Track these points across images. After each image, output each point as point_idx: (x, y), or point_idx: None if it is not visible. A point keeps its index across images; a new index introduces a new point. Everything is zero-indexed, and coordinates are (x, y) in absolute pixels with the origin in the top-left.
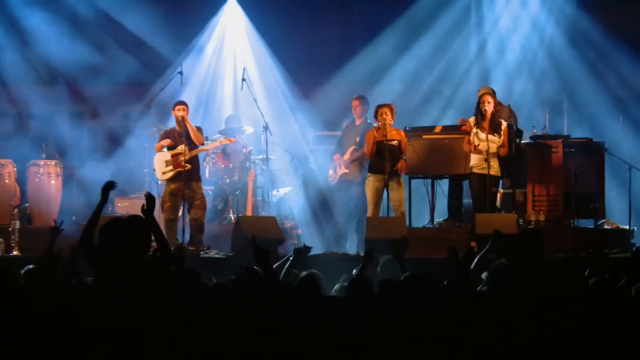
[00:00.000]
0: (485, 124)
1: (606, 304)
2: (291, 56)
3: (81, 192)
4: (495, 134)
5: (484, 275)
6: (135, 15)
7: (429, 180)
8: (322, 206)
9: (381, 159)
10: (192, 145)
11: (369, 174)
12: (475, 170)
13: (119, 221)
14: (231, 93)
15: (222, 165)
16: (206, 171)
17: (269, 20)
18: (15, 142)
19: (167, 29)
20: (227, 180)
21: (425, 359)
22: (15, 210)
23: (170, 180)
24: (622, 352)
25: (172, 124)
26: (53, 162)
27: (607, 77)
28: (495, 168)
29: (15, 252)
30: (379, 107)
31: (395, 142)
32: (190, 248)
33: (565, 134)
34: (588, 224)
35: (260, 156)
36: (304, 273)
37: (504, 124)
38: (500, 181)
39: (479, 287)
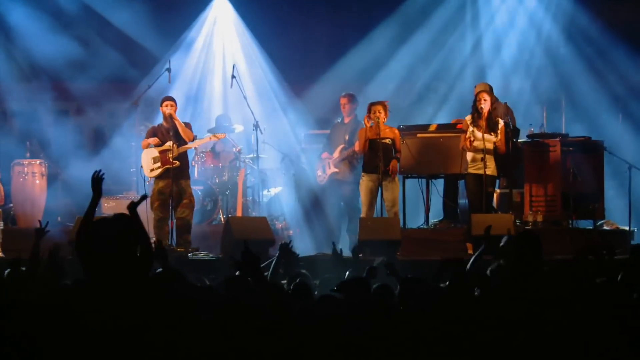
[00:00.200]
0: (482, 123)
1: (606, 305)
2: (282, 53)
3: (66, 192)
4: (492, 133)
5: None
6: (121, 10)
7: (424, 180)
8: (314, 206)
9: (374, 158)
10: (180, 142)
11: (362, 173)
12: (471, 170)
13: (106, 221)
14: (220, 91)
15: (212, 165)
16: (195, 171)
17: (259, 16)
18: None
19: (155, 24)
20: (217, 180)
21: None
22: None
23: (158, 178)
24: (622, 353)
25: (159, 121)
26: (38, 162)
27: (606, 74)
28: (491, 168)
29: None
30: (372, 104)
31: (388, 141)
32: (178, 249)
33: (563, 132)
34: (587, 224)
35: (251, 155)
36: (296, 279)
37: (501, 122)
38: (497, 181)
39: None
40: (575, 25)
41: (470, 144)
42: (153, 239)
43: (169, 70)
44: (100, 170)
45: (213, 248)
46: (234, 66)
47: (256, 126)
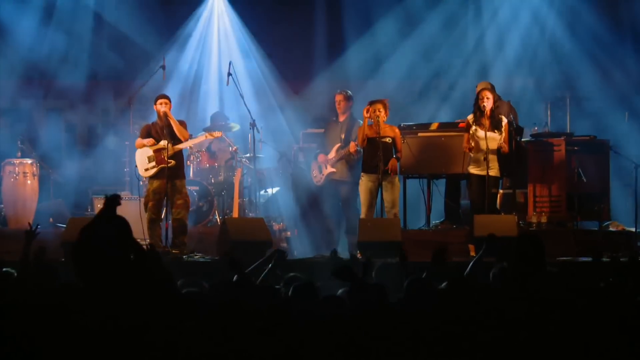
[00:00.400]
0: (485, 121)
1: (608, 306)
2: (279, 50)
3: (58, 193)
4: (496, 131)
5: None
6: (115, 6)
7: (425, 180)
8: (312, 207)
9: (374, 158)
10: (175, 141)
11: (362, 173)
12: (473, 171)
13: (99, 222)
14: (216, 89)
15: (207, 165)
16: (190, 170)
17: (256, 12)
18: None
19: (149, 20)
20: (212, 180)
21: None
22: None
23: (152, 177)
24: (623, 353)
25: (154, 120)
26: (29, 161)
27: (612, 71)
28: (495, 168)
29: None
30: (372, 103)
31: (388, 140)
32: (173, 251)
33: (568, 131)
34: (592, 226)
35: (247, 155)
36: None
37: (505, 120)
38: (500, 181)
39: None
40: (580, 21)
41: (471, 150)
42: (147, 241)
43: (163, 67)
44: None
45: (209, 250)
46: (230, 63)
47: (253, 125)
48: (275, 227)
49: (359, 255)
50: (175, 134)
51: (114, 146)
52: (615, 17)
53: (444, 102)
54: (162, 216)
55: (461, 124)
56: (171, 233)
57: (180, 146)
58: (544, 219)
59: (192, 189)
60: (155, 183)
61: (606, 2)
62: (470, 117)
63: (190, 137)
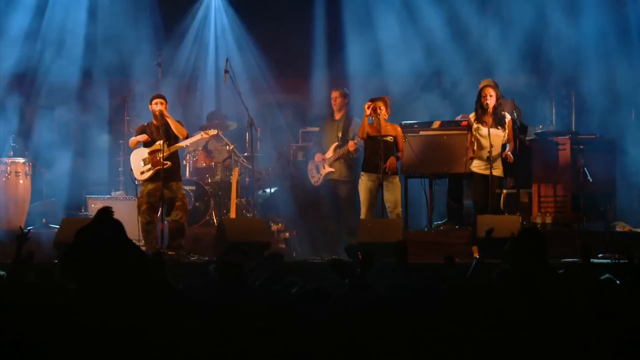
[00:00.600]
0: (488, 118)
1: (609, 307)
2: (278, 47)
3: (51, 193)
4: (499, 127)
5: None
6: (109, 1)
7: (427, 180)
8: (311, 207)
9: (375, 157)
10: (171, 141)
11: (362, 172)
12: (477, 170)
13: (92, 224)
14: (213, 86)
15: (204, 164)
16: (186, 170)
17: (253, 8)
18: None
19: (144, 16)
20: (209, 180)
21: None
22: None
23: (148, 180)
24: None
25: (149, 118)
26: (21, 160)
27: (619, 67)
28: (498, 168)
29: None
30: (373, 100)
31: (390, 138)
32: (169, 253)
33: (573, 129)
34: (598, 227)
35: (245, 154)
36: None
37: (508, 116)
38: (504, 181)
39: None
40: (586, 17)
41: (472, 159)
42: (142, 242)
43: (159, 64)
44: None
45: (205, 251)
46: (227, 61)
47: (251, 123)
48: (274, 227)
49: (360, 257)
50: (171, 134)
51: (108, 145)
52: (622, 13)
53: (446, 100)
54: (158, 218)
55: (463, 123)
56: (167, 234)
57: (176, 146)
58: (548, 220)
59: (188, 189)
60: (150, 185)
61: None
62: (472, 116)
63: (188, 135)
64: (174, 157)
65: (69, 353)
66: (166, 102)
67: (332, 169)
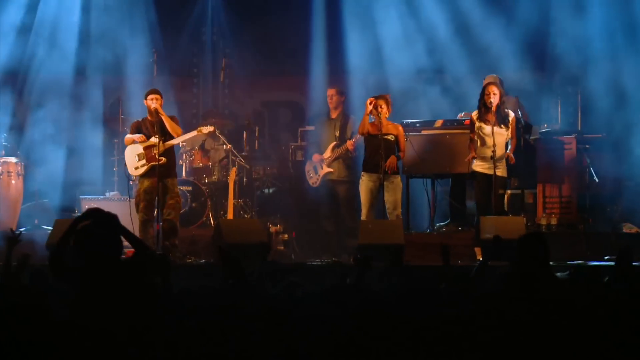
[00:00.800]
0: (491, 117)
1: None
2: (276, 44)
3: (44, 193)
4: (502, 126)
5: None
6: None
7: (429, 180)
8: (310, 208)
9: (375, 156)
10: (166, 137)
11: (362, 172)
12: (479, 169)
13: (87, 226)
14: (210, 84)
15: (201, 164)
16: (183, 169)
17: (251, 5)
18: None
19: (140, 12)
20: (206, 180)
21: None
22: None
23: (143, 176)
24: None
25: (144, 117)
26: (13, 160)
27: (626, 65)
28: (502, 167)
29: None
30: (374, 98)
31: (391, 137)
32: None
33: (579, 128)
34: (605, 228)
35: (243, 153)
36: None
37: (512, 114)
38: (508, 181)
39: None
40: (592, 12)
41: (474, 159)
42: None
43: (154, 62)
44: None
45: (202, 253)
46: (224, 58)
47: (248, 122)
48: (272, 229)
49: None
50: (166, 131)
51: (102, 144)
52: (629, 10)
53: (448, 97)
54: (155, 217)
55: (466, 121)
56: (162, 235)
57: (171, 142)
58: (553, 221)
59: (184, 189)
60: (146, 182)
61: None
62: (474, 114)
63: (183, 134)
64: (169, 154)
65: (69, 355)
66: (161, 97)
67: (330, 169)
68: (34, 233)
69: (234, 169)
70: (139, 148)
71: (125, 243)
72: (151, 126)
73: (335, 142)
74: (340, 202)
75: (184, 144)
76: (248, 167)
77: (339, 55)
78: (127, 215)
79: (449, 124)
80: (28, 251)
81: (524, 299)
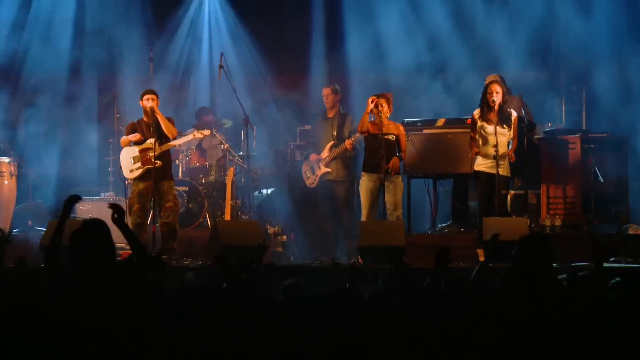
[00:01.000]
0: (493, 116)
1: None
2: (274, 41)
3: (38, 194)
4: (505, 126)
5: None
6: None
7: (431, 180)
8: (309, 209)
9: (376, 156)
10: (162, 139)
11: (362, 172)
12: (482, 169)
13: (82, 229)
14: (207, 82)
15: (197, 164)
16: (179, 170)
17: (249, 1)
18: None
19: (135, 9)
20: (203, 180)
21: None
22: None
23: (138, 179)
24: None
25: (140, 116)
26: (6, 160)
27: (631, 62)
28: (505, 167)
29: None
30: (375, 97)
31: (392, 137)
32: (161, 257)
33: (584, 127)
34: (610, 229)
35: (240, 153)
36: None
37: (514, 114)
38: (511, 182)
39: None
40: (597, 9)
41: (477, 154)
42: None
43: (150, 59)
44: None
45: (199, 255)
46: (221, 55)
47: (246, 121)
48: (271, 230)
49: (359, 261)
50: (162, 132)
51: (97, 144)
52: (635, 7)
53: (450, 96)
54: (149, 220)
55: (468, 121)
56: (159, 237)
57: (167, 145)
58: (558, 222)
59: (181, 190)
60: (141, 185)
61: None
62: (476, 112)
63: (179, 134)
64: (165, 156)
65: (64, 355)
66: (157, 98)
67: (328, 169)
68: (28, 234)
69: (232, 169)
70: (135, 150)
71: (121, 244)
72: (147, 128)
73: (332, 142)
74: (338, 202)
75: (180, 144)
76: (246, 167)
77: (339, 52)
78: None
79: (451, 122)
80: (21, 253)
81: (524, 299)
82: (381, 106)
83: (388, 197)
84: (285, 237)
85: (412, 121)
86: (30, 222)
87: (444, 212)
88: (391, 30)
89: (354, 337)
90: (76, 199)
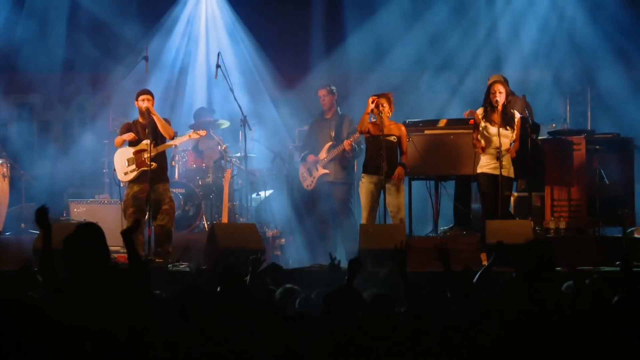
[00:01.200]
0: (496, 117)
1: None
2: (273, 40)
3: (31, 196)
4: (508, 128)
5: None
6: None
7: (432, 182)
8: (308, 211)
9: (377, 157)
10: (158, 141)
11: (363, 174)
12: (485, 170)
13: (76, 233)
14: (204, 82)
15: (194, 165)
16: (175, 171)
17: (246, 0)
18: None
19: (130, 6)
20: (200, 182)
21: None
22: None
23: (133, 181)
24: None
25: (135, 117)
26: None
27: (638, 61)
28: (508, 168)
29: None
30: (375, 97)
31: (393, 138)
32: (157, 260)
33: (589, 128)
34: (615, 232)
35: (238, 154)
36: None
37: (517, 115)
38: (514, 183)
39: None
40: (602, 8)
41: (483, 150)
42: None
43: (145, 58)
44: (46, 207)
45: (195, 258)
46: (219, 54)
47: (244, 122)
48: (269, 233)
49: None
50: (158, 134)
51: (91, 145)
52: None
53: (453, 96)
54: (144, 223)
55: (471, 121)
56: (154, 240)
57: (163, 147)
58: (562, 225)
59: (177, 192)
60: (136, 187)
61: None
62: (479, 112)
63: (176, 134)
64: (161, 158)
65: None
66: (153, 98)
67: (326, 171)
68: (21, 237)
69: (229, 170)
70: (129, 152)
71: (115, 248)
72: (142, 129)
73: (330, 143)
74: (337, 204)
75: (176, 145)
76: (243, 168)
77: (339, 51)
78: (117, 219)
79: (453, 123)
80: (14, 256)
81: (526, 302)
82: (382, 106)
83: (390, 200)
84: (283, 240)
85: (414, 122)
86: (23, 225)
87: (445, 215)
88: (393, 28)
89: (353, 337)
90: (44, 210)
